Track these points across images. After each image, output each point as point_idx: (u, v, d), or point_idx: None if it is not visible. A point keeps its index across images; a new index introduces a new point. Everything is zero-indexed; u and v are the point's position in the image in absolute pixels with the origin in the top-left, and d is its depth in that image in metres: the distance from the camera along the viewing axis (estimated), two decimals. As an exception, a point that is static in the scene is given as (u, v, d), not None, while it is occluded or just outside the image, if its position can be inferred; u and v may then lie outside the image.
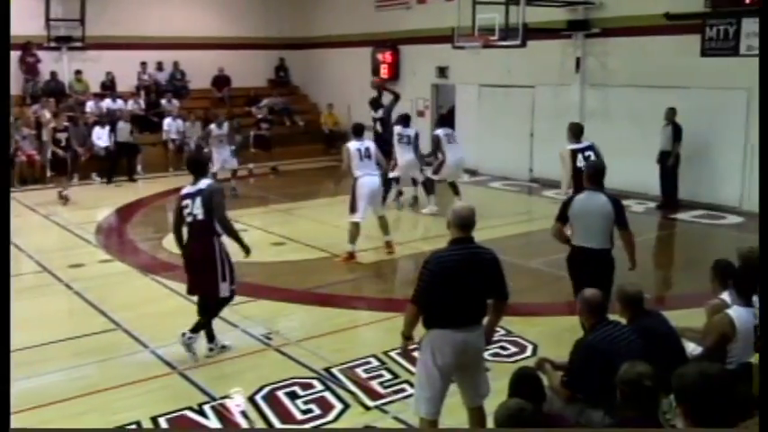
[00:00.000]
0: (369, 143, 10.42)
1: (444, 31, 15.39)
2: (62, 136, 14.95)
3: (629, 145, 13.63)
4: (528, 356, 6.73)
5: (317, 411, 5.82)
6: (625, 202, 7.42)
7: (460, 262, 4.57)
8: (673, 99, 13.28)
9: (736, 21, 12.61)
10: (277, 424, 5.67)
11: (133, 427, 5.64)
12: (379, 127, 14.53)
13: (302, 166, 19.21)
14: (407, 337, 4.82)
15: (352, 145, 10.17)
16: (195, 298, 8.60)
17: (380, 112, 14.59)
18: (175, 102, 19.72)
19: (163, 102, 19.77)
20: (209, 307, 6.96)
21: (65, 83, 19.51)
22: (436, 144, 13.27)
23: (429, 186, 13.46)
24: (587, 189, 6.64)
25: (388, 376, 6.39)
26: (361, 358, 6.74)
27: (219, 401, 5.98)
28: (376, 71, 20.13)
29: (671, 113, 12.93)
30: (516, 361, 6.64)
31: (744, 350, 4.78)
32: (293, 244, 11.30)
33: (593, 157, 9.21)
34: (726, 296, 5.23)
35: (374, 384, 6.26)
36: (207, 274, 6.74)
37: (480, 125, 17.11)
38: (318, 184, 17.42)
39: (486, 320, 4.84)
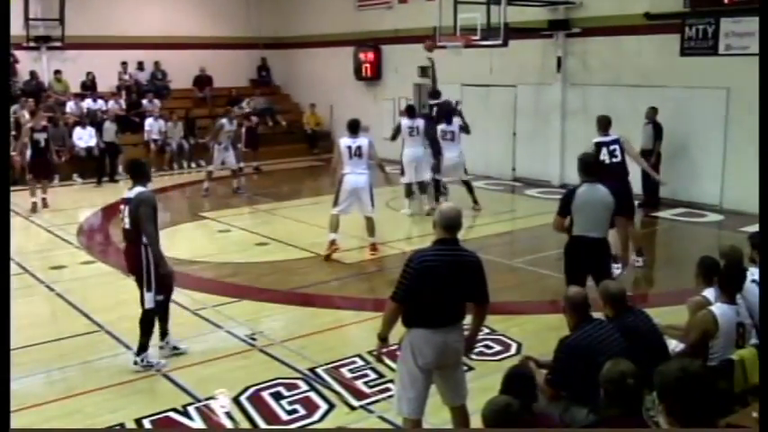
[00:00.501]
0: (362, 141, 10.23)
1: (426, 30, 15.41)
2: (40, 136, 14.27)
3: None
4: (512, 355, 6.77)
5: (303, 412, 5.82)
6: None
7: (443, 262, 4.58)
8: (652, 98, 13.40)
9: (715, 21, 12.74)
10: (262, 425, 5.66)
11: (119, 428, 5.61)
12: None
13: (285, 166, 19.17)
14: (383, 338, 4.77)
15: (344, 141, 10.16)
16: (179, 299, 8.58)
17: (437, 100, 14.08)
18: (157, 102, 19.62)
19: (144, 102, 19.66)
20: (144, 317, 6.75)
21: (44, 83, 19.35)
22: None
23: (422, 186, 13.47)
24: (586, 181, 6.76)
25: (373, 376, 6.39)
26: (346, 358, 6.75)
27: (204, 403, 5.95)
28: (358, 70, 20.14)
29: (652, 112, 12.99)
30: (501, 359, 6.68)
31: (725, 347, 4.83)
32: (277, 244, 11.29)
33: (617, 152, 9.25)
34: (708, 293, 5.28)
35: (359, 384, 6.27)
36: (138, 284, 6.64)
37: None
38: (301, 183, 17.40)
39: (467, 325, 4.85)
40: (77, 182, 17.04)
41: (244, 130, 18.28)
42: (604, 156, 9.19)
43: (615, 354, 4.24)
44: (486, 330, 7.09)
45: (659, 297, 8.68)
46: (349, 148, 10.07)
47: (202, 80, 21.43)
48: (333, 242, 10.24)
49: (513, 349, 6.96)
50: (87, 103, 18.90)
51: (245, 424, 5.68)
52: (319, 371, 6.52)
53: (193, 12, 21.64)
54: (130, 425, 5.65)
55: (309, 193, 16.67)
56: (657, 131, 12.96)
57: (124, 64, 20.38)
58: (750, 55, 11.97)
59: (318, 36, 21.48)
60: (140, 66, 20.85)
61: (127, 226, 6.62)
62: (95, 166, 17.14)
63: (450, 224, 4.66)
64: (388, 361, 6.34)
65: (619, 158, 9.31)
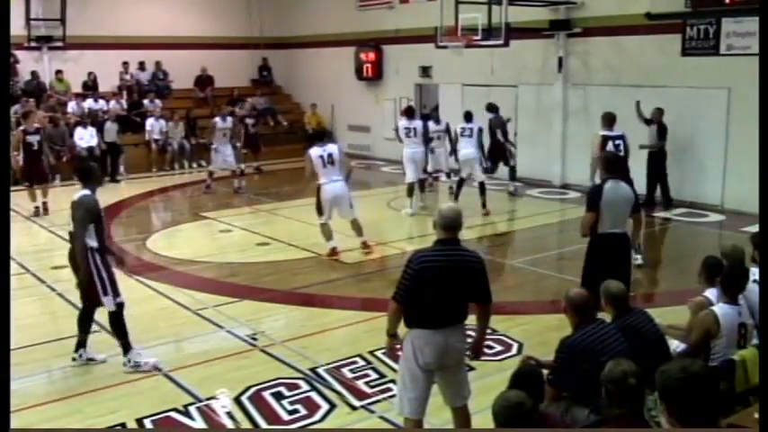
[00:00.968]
0: (332, 149, 10.20)
1: (427, 30, 15.42)
2: (33, 139, 13.45)
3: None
4: (513, 355, 6.77)
5: (304, 412, 5.82)
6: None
7: (443, 263, 4.57)
8: (654, 98, 13.39)
9: (716, 20, 12.73)
10: (263, 425, 5.66)
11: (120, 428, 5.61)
12: (500, 135, 14.51)
13: (286, 166, 19.14)
14: (392, 335, 4.79)
15: (314, 152, 10.01)
16: (181, 299, 8.60)
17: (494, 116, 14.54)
18: (158, 102, 19.63)
19: (145, 102, 19.67)
20: (89, 319, 6.76)
21: (46, 83, 19.36)
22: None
23: (421, 185, 13.53)
24: (610, 178, 6.80)
25: (374, 376, 6.39)
26: (347, 358, 6.75)
27: (205, 403, 5.95)
28: (359, 70, 20.15)
29: (658, 113, 12.89)
30: (502, 360, 6.68)
31: (727, 347, 4.83)
32: (278, 244, 11.29)
33: (622, 146, 9.78)
34: (710, 293, 5.28)
35: (360, 384, 6.26)
36: (90, 287, 6.51)
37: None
38: (302, 183, 17.33)
39: (471, 326, 4.85)
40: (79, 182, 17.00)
41: (243, 131, 18.10)
42: (611, 149, 9.51)
43: (616, 354, 4.24)
44: (488, 330, 7.08)
45: (660, 297, 8.68)
46: (321, 157, 9.98)
47: (203, 80, 21.44)
48: (333, 249, 10.30)
49: (515, 349, 6.96)
50: (88, 103, 18.91)
51: (246, 424, 5.68)
52: (320, 371, 6.52)
53: (195, 12, 21.64)
54: (131, 425, 5.65)
55: (311, 193, 16.53)
56: (662, 132, 12.91)
57: (125, 64, 20.39)
58: (751, 55, 11.96)
59: (320, 36, 21.49)
60: (142, 66, 20.86)
61: (71, 228, 6.55)
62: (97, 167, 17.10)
63: (450, 224, 4.66)
64: (389, 361, 6.37)
65: (623, 153, 9.66)
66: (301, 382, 6.31)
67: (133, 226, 13.05)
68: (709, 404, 3.12)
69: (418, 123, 13.40)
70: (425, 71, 18.51)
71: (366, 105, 20.47)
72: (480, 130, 13.39)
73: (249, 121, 18.38)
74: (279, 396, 6.05)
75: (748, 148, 11.91)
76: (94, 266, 6.45)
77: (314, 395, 6.09)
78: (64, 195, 15.31)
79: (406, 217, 13.00)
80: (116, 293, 6.57)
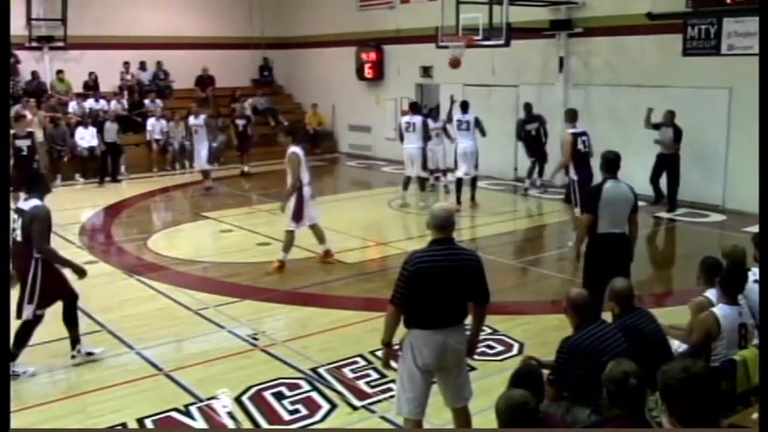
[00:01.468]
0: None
1: (428, 30, 15.42)
2: (23, 144, 12.76)
3: (613, 144, 13.51)
4: (514, 355, 6.76)
5: (304, 412, 5.82)
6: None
7: (439, 263, 4.55)
8: (654, 98, 13.38)
9: (717, 20, 12.72)
10: (264, 424, 5.66)
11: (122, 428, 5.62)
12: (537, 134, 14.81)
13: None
14: (387, 344, 4.73)
15: (300, 151, 9.73)
16: (181, 299, 8.60)
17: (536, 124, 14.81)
18: (159, 102, 19.63)
19: (146, 102, 19.68)
20: (74, 315, 6.84)
21: (46, 83, 19.36)
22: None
23: (421, 182, 13.57)
24: (609, 178, 6.79)
25: (374, 376, 6.39)
26: (348, 358, 6.75)
27: (206, 402, 5.96)
28: (360, 70, 20.15)
29: (670, 116, 12.74)
30: (503, 360, 6.68)
31: (728, 348, 4.82)
32: (278, 244, 11.22)
33: (588, 142, 10.36)
34: (710, 294, 5.27)
35: (361, 384, 6.27)
36: (20, 294, 6.45)
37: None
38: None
39: (469, 326, 4.84)
40: (79, 182, 17.05)
41: (233, 131, 18.18)
42: (579, 146, 10.22)
43: (617, 354, 4.23)
44: (488, 330, 7.09)
45: (661, 297, 8.68)
46: (307, 158, 9.81)
47: (204, 80, 21.44)
48: (327, 251, 10.14)
49: (515, 349, 6.96)
50: (89, 103, 18.90)
51: (246, 424, 5.68)
52: (321, 371, 6.52)
53: (196, 12, 21.64)
54: (132, 425, 5.65)
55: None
56: (677, 135, 12.73)
57: (126, 64, 20.40)
58: (753, 55, 11.94)
59: (320, 36, 21.49)
60: (143, 66, 20.87)
61: (18, 238, 6.42)
62: (97, 167, 17.15)
63: (442, 224, 4.64)
64: (390, 362, 6.36)
65: (588, 149, 10.42)
66: (302, 382, 6.31)
67: (134, 226, 13.06)
68: (711, 404, 3.12)
69: (417, 119, 13.52)
70: (426, 71, 18.50)
71: (367, 105, 20.46)
72: (477, 122, 13.54)
73: (240, 121, 18.07)
74: (280, 396, 6.06)
75: (749, 148, 11.89)
76: (33, 275, 6.41)
77: (315, 395, 6.09)
78: (64, 195, 15.38)
79: (406, 217, 13.01)
80: (40, 306, 6.50)
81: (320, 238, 9.99)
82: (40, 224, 6.37)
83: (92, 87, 19.65)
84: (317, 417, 5.75)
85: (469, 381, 4.93)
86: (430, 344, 4.59)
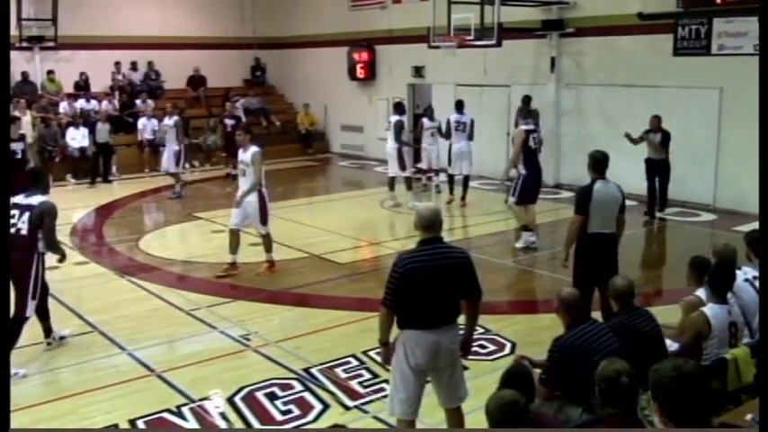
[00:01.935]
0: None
1: (420, 30, 15.43)
2: (17, 147, 12.50)
3: (604, 144, 13.52)
4: (506, 354, 6.78)
5: (297, 412, 5.82)
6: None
7: (428, 262, 4.55)
8: (646, 98, 13.44)
9: (708, 20, 12.78)
10: (256, 425, 5.66)
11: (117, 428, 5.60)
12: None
13: (279, 167, 19.12)
14: (384, 342, 4.75)
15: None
16: (173, 299, 8.57)
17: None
18: (150, 102, 19.55)
19: (137, 102, 19.61)
20: (45, 309, 6.99)
21: (37, 83, 19.27)
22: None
23: (407, 182, 13.60)
24: (598, 178, 6.80)
25: (367, 376, 6.40)
26: (341, 358, 6.75)
27: (198, 403, 5.95)
28: (352, 71, 20.15)
29: (656, 121, 12.45)
30: (495, 359, 6.69)
31: (719, 347, 4.84)
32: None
33: (538, 138, 10.77)
34: (701, 293, 5.29)
35: (354, 384, 6.27)
36: (18, 290, 6.49)
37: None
38: (296, 184, 17.39)
39: (462, 325, 4.85)
40: (71, 182, 16.98)
41: (221, 132, 17.27)
42: (531, 142, 10.50)
43: (609, 353, 4.25)
44: (481, 330, 7.10)
45: (653, 296, 8.70)
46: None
47: (196, 80, 21.39)
48: (234, 264, 9.49)
49: (508, 349, 6.97)
50: (80, 103, 18.82)
51: (239, 424, 5.66)
52: (314, 371, 6.52)
53: (187, 12, 21.59)
54: (125, 426, 5.64)
55: (304, 193, 16.70)
56: (665, 140, 12.45)
57: (117, 64, 20.33)
58: (743, 55, 12.03)
59: (312, 36, 21.48)
60: (134, 66, 20.80)
61: (23, 232, 6.48)
62: (88, 167, 17.09)
63: (429, 224, 4.65)
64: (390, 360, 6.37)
65: (538, 145, 10.80)
66: (295, 383, 6.30)
67: (125, 227, 13.01)
68: (702, 403, 3.13)
69: (393, 119, 13.59)
70: (418, 71, 18.52)
71: (359, 105, 20.46)
72: (472, 122, 13.67)
73: (229, 121, 16.99)
74: (272, 396, 6.05)
75: (740, 148, 11.99)
76: (35, 270, 6.56)
77: (307, 395, 6.08)
78: (55, 196, 15.28)
79: (398, 217, 13.02)
80: (34, 298, 6.62)
81: (269, 245, 9.58)
82: (51, 219, 6.58)
83: (83, 88, 19.57)
84: (310, 417, 5.74)
85: (464, 381, 4.93)
86: (422, 344, 4.59)
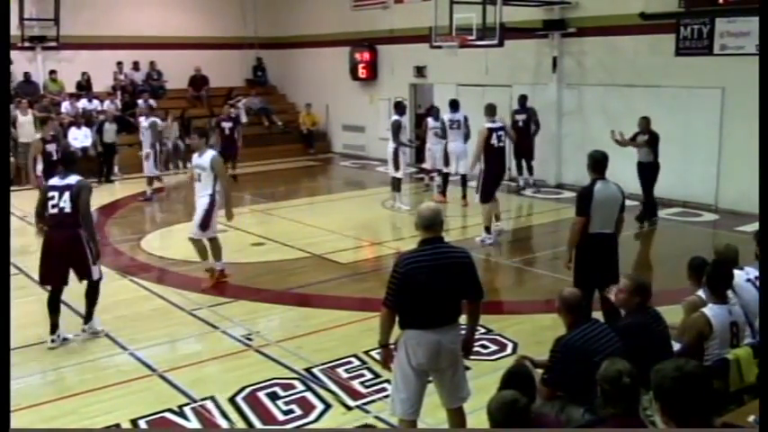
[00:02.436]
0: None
1: (422, 30, 15.42)
2: (52, 148, 12.17)
3: (606, 144, 13.53)
4: (508, 354, 6.77)
5: (299, 412, 5.82)
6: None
7: (429, 262, 4.55)
8: (647, 98, 13.42)
9: (710, 20, 12.77)
10: (258, 425, 5.66)
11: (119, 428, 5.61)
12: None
13: (281, 166, 19.16)
14: (384, 344, 4.75)
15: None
16: (175, 299, 8.55)
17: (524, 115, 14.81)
18: (152, 102, 19.56)
19: (139, 102, 19.60)
20: (92, 287, 7.37)
21: (39, 83, 19.29)
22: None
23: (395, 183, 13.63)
24: (598, 179, 6.79)
25: (369, 376, 6.40)
26: (342, 358, 6.76)
27: (200, 403, 5.95)
28: (354, 70, 20.15)
29: (645, 123, 11.93)
30: (497, 359, 6.68)
31: (720, 347, 4.83)
32: (272, 244, 11.27)
33: (503, 137, 11.01)
34: (702, 292, 5.28)
35: (355, 384, 6.27)
36: (76, 263, 7.15)
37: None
38: (297, 184, 17.40)
39: (463, 325, 4.84)
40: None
41: (218, 135, 16.18)
42: (494, 140, 10.77)
43: (611, 353, 4.24)
44: (483, 330, 7.09)
45: (654, 297, 8.67)
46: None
47: (198, 80, 21.40)
48: (214, 271, 9.16)
49: (510, 349, 6.96)
50: (82, 103, 18.85)
51: (240, 424, 5.67)
52: (315, 371, 6.52)
53: (189, 12, 21.61)
54: (126, 425, 5.64)
55: (305, 193, 16.70)
56: (653, 142, 11.88)
57: (119, 64, 20.36)
58: (745, 55, 12.01)
59: (314, 36, 21.47)
60: (136, 66, 20.83)
61: (67, 210, 7.04)
62: (91, 167, 17.06)
63: (429, 223, 4.65)
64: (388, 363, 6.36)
65: (503, 144, 11.08)
66: (296, 383, 6.31)
67: (127, 226, 13.02)
68: (704, 403, 3.13)
69: (393, 119, 13.60)
70: (420, 71, 18.51)
71: (361, 105, 20.47)
72: (466, 119, 13.76)
73: (225, 124, 16.53)
74: (274, 396, 6.06)
75: (742, 148, 11.97)
76: (85, 241, 7.14)
77: (309, 395, 6.09)
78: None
79: (400, 216, 13.02)
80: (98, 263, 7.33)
81: (217, 253, 9.14)
82: (87, 194, 7.19)
83: (85, 87, 19.60)
84: (312, 417, 5.75)
85: (466, 381, 4.93)
86: (424, 344, 4.59)
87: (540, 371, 4.76)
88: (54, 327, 7.21)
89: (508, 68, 15.84)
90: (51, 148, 12.06)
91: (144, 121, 15.46)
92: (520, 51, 15.51)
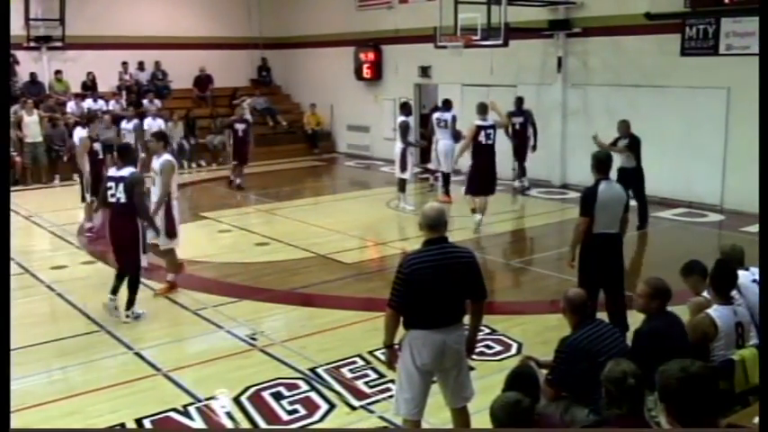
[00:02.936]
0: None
1: (427, 30, 15.42)
2: (99, 147, 11.64)
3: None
4: (513, 355, 6.76)
5: (303, 412, 5.82)
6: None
7: (434, 263, 4.55)
8: (653, 98, 13.40)
9: (716, 20, 12.73)
10: (262, 425, 5.66)
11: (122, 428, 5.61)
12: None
13: (285, 166, 19.17)
14: (389, 345, 4.75)
15: (173, 159, 8.90)
16: (180, 299, 8.58)
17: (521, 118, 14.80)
18: (157, 102, 19.60)
19: (144, 102, 19.65)
20: (133, 278, 7.86)
21: (45, 83, 19.34)
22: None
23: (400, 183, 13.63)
24: (602, 179, 6.77)
25: (373, 376, 6.39)
26: (347, 358, 6.75)
27: (204, 403, 5.95)
28: (359, 70, 20.16)
29: (624, 126, 11.46)
30: (501, 360, 6.68)
31: (726, 348, 4.82)
32: (277, 244, 11.28)
33: (492, 135, 11.47)
34: (708, 293, 5.26)
35: (360, 384, 6.27)
36: (130, 250, 7.71)
37: (462, 125, 17.10)
38: (302, 183, 17.42)
39: (467, 325, 4.84)
40: (78, 182, 16.99)
41: (232, 137, 15.81)
42: (482, 138, 11.29)
43: (615, 354, 4.24)
44: (487, 330, 7.09)
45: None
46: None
47: (203, 80, 21.43)
48: (174, 284, 8.91)
49: (514, 349, 6.95)
50: (88, 103, 18.89)
51: (245, 424, 5.67)
52: (320, 371, 6.52)
53: (194, 12, 21.63)
54: (131, 425, 5.65)
55: (310, 193, 16.71)
56: (634, 146, 11.35)
57: (125, 64, 20.39)
58: (751, 55, 11.97)
59: (319, 36, 21.48)
60: (141, 66, 20.86)
61: (123, 200, 7.55)
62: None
63: (434, 223, 4.64)
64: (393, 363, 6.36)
65: (492, 141, 11.49)
66: (301, 382, 6.31)
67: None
68: (709, 404, 3.13)
69: (399, 120, 13.64)
70: (425, 71, 18.51)
71: (365, 105, 20.47)
72: (454, 119, 13.85)
73: (239, 126, 15.81)
74: (278, 396, 6.05)
75: (748, 148, 11.92)
76: (140, 231, 7.72)
77: (313, 395, 6.09)
78: (63, 195, 15.35)
79: (404, 217, 13.02)
80: (145, 252, 7.91)
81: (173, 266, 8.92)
82: (140, 186, 7.74)
83: (90, 87, 19.65)
84: (316, 417, 5.74)
85: (470, 380, 4.92)
86: (429, 344, 4.59)
87: (544, 371, 4.75)
88: (129, 302, 7.79)
89: (513, 68, 15.83)
90: (98, 147, 11.62)
91: (126, 124, 15.27)
92: (524, 51, 15.49)
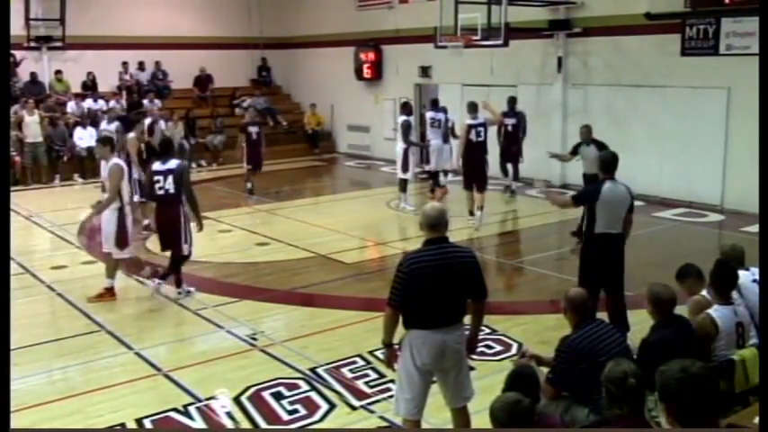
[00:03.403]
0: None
1: (427, 30, 15.42)
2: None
3: (611, 144, 13.52)
4: (513, 355, 6.75)
5: (303, 412, 5.82)
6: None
7: (434, 262, 4.55)
8: (653, 98, 13.40)
9: (716, 20, 12.74)
10: (263, 424, 5.66)
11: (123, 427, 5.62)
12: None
13: (286, 166, 19.17)
14: (388, 344, 4.75)
15: (123, 163, 8.68)
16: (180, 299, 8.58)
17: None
18: (157, 102, 19.60)
19: (145, 102, 19.65)
20: (176, 263, 8.47)
21: (45, 83, 19.34)
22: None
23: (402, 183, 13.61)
24: (608, 179, 6.78)
25: (373, 376, 6.39)
26: (347, 358, 6.75)
27: (205, 403, 5.95)
28: (359, 70, 20.16)
29: (586, 132, 11.01)
30: (501, 360, 6.68)
31: (726, 348, 4.82)
32: (277, 244, 11.28)
33: (482, 133, 11.95)
34: (707, 293, 5.26)
35: (360, 384, 6.27)
36: (174, 237, 8.26)
37: (459, 125, 17.12)
38: (302, 183, 17.42)
39: (467, 325, 4.84)
40: (78, 182, 17.03)
41: (244, 145, 14.99)
42: (473, 136, 11.84)
43: (616, 354, 4.24)
44: (487, 330, 7.09)
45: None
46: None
47: (203, 80, 21.43)
48: (111, 289, 8.60)
49: (514, 349, 6.95)
50: (88, 103, 18.90)
51: (245, 424, 5.68)
52: (320, 371, 6.52)
53: (194, 12, 21.63)
54: (131, 425, 5.65)
55: (310, 193, 16.72)
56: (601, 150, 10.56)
57: (125, 64, 20.39)
58: (751, 55, 11.97)
59: (319, 36, 21.49)
60: (141, 66, 20.86)
61: (172, 191, 8.13)
62: (95, 167, 17.10)
63: (434, 223, 4.64)
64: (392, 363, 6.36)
65: (482, 138, 11.98)
66: (301, 382, 6.31)
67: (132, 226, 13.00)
68: (709, 404, 3.12)
69: (399, 120, 13.64)
70: (425, 71, 18.51)
71: (365, 105, 20.47)
72: (446, 119, 13.89)
73: (252, 129, 15.00)
74: (278, 396, 6.06)
75: (748, 148, 11.92)
76: (183, 220, 8.26)
77: (313, 395, 6.09)
78: (63, 195, 15.38)
79: (405, 217, 13.02)
80: (190, 243, 8.45)
81: (113, 271, 8.63)
82: (188, 175, 8.41)
83: (90, 87, 19.65)
84: (316, 417, 5.75)
85: (470, 380, 4.92)
86: (429, 344, 4.59)
87: (545, 370, 4.75)
88: (178, 282, 8.48)
89: (513, 68, 15.84)
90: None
91: (106, 125, 15.10)
92: (525, 51, 15.50)
